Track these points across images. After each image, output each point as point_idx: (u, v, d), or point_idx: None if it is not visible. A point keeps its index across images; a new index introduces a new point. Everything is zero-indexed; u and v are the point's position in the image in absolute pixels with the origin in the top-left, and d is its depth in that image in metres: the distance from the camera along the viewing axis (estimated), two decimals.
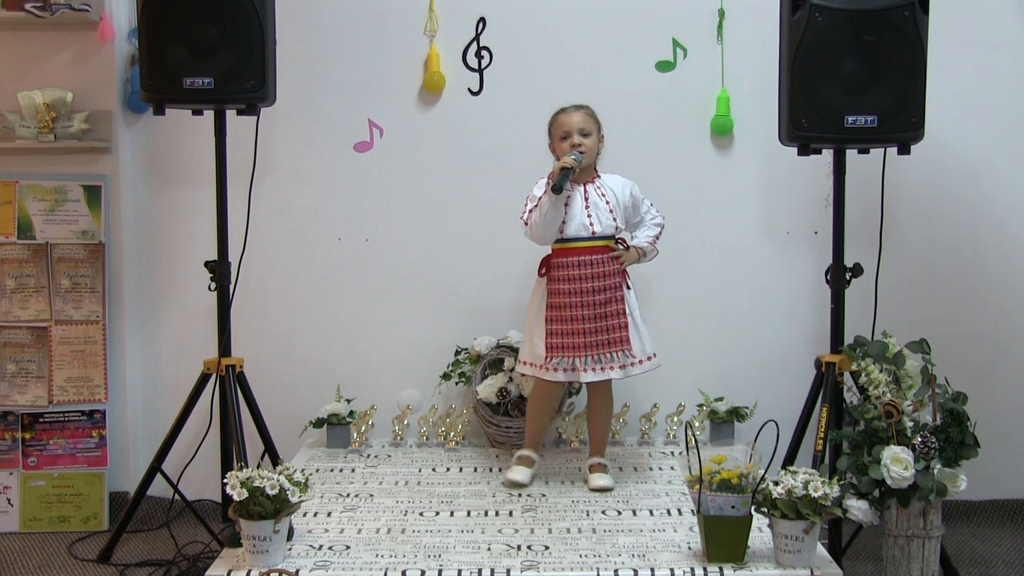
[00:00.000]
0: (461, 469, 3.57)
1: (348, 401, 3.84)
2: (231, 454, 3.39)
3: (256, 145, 3.46)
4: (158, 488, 3.62)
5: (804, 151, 3.26)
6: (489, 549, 2.78)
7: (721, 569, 2.60)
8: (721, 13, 3.86)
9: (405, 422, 3.89)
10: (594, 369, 3.27)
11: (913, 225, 3.88)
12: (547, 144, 3.40)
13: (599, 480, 3.30)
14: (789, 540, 2.60)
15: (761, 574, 2.58)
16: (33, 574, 3.39)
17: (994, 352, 3.91)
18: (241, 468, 2.70)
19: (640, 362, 3.30)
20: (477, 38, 3.91)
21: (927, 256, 3.89)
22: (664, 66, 3.90)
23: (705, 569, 2.61)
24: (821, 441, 3.14)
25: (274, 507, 2.62)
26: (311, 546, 2.81)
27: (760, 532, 2.75)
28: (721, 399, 3.81)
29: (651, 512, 3.08)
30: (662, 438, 3.88)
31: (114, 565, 3.44)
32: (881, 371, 3.16)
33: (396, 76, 3.91)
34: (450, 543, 2.83)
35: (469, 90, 3.93)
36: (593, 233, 3.28)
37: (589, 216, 3.28)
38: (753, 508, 2.64)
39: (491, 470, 3.54)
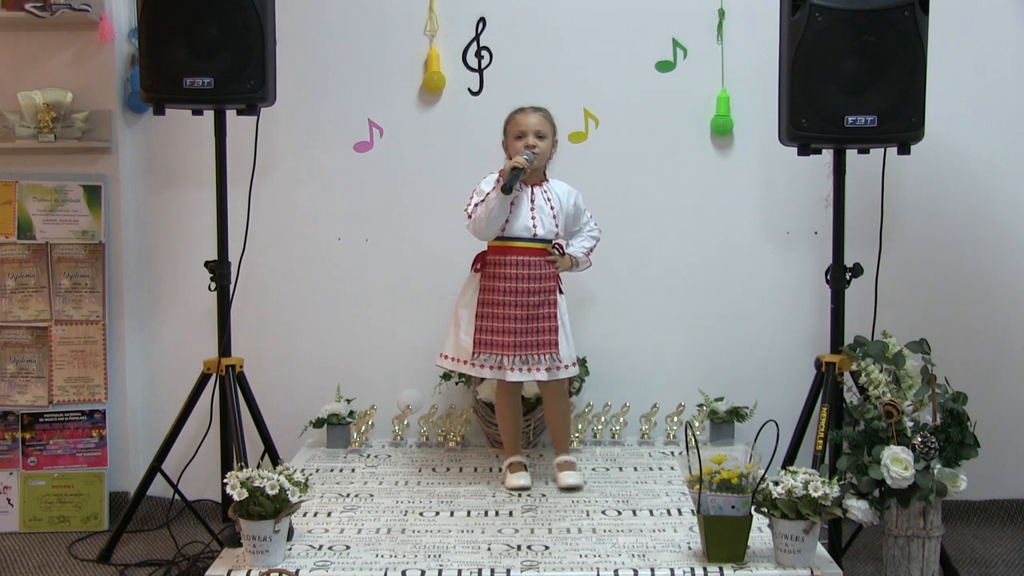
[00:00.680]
0: (461, 469, 3.57)
1: (348, 401, 3.84)
2: (231, 454, 3.39)
3: (256, 145, 3.46)
4: (158, 488, 3.61)
5: (804, 151, 3.26)
6: (489, 549, 2.78)
7: (721, 569, 2.60)
8: (721, 13, 3.85)
9: (405, 422, 3.89)
10: (520, 369, 3.27)
11: (913, 225, 3.87)
12: (500, 141, 3.41)
13: (568, 479, 3.30)
14: (789, 540, 2.60)
15: (761, 574, 2.58)
16: (33, 574, 3.39)
17: (994, 352, 3.91)
18: (241, 468, 2.70)
19: (566, 367, 3.32)
20: (477, 38, 3.91)
21: (927, 256, 3.89)
22: (664, 66, 3.90)
23: (705, 569, 2.61)
24: (821, 441, 3.14)
25: (274, 507, 2.62)
26: (311, 546, 2.81)
27: (760, 532, 2.75)
28: (721, 399, 3.81)
29: (651, 512, 3.08)
30: (662, 438, 3.88)
31: (114, 565, 3.44)
32: (881, 371, 3.15)
33: (396, 76, 3.92)
34: (450, 543, 2.83)
35: (469, 90, 3.94)
36: (535, 235, 3.30)
37: (533, 218, 3.30)
38: (753, 508, 2.64)
39: (491, 470, 3.54)
